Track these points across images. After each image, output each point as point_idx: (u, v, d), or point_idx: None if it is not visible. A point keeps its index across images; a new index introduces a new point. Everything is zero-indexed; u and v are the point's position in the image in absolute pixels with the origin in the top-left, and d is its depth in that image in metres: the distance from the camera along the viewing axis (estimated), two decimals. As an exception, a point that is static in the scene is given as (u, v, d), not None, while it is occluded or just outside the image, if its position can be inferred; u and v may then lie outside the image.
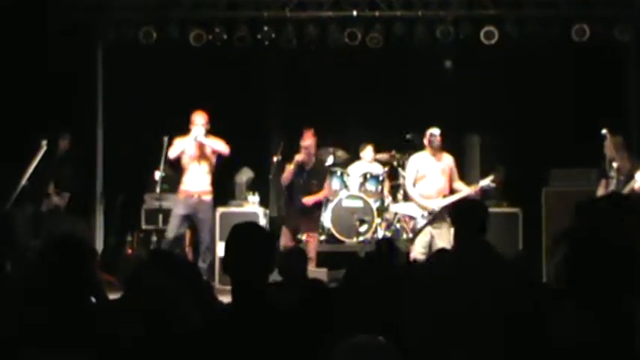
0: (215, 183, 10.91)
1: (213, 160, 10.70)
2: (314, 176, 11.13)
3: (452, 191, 10.39)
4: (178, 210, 10.62)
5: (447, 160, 10.49)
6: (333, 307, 5.44)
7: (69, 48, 11.77)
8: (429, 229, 10.18)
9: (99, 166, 12.71)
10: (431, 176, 10.37)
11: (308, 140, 10.92)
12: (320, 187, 11.17)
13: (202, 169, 10.63)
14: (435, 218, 10.17)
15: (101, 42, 12.68)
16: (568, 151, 12.10)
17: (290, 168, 10.92)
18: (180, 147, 10.53)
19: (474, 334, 4.68)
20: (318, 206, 11.36)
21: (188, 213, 10.63)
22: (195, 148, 10.57)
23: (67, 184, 11.05)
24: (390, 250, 7.83)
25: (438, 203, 10.19)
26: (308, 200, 11.00)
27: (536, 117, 12.81)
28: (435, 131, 10.41)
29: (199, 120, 10.48)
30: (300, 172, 10.98)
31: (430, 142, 10.40)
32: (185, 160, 10.63)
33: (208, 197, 10.70)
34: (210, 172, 10.70)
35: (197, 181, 10.61)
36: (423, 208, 10.28)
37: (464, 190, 10.32)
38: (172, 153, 10.54)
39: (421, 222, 10.28)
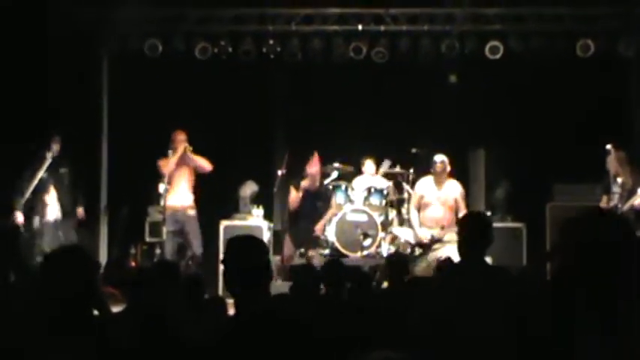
0: (218, 196, 11.02)
1: (194, 177, 11.11)
2: (320, 198, 11.51)
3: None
4: (168, 227, 10.94)
5: (452, 189, 10.51)
6: (347, 324, 5.43)
7: (74, 59, 11.79)
8: (429, 256, 10.26)
9: (103, 177, 12.71)
10: (431, 205, 10.48)
11: (315, 167, 11.30)
12: (326, 208, 11.52)
13: (185, 186, 11.09)
14: (425, 249, 10.34)
15: (107, 54, 12.72)
16: (572, 166, 12.09)
17: (297, 194, 11.27)
18: (172, 163, 10.90)
19: (477, 346, 4.68)
20: None
21: (176, 228, 11.04)
22: (177, 166, 10.95)
23: (66, 190, 11.07)
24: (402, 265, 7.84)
25: (430, 234, 10.31)
26: (320, 227, 11.38)
27: (540, 132, 12.82)
28: (437, 158, 10.50)
29: (182, 137, 10.99)
30: (306, 196, 11.31)
31: (433, 169, 10.52)
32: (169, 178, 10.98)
33: (193, 212, 11.12)
34: (192, 189, 11.15)
35: (181, 197, 11.05)
36: (417, 237, 10.50)
37: (452, 227, 9.95)
38: (168, 169, 10.88)
39: (417, 250, 10.47)
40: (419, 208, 10.59)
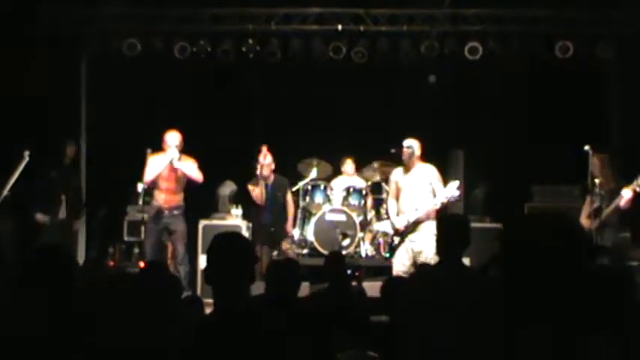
0: (197, 195, 10.93)
1: (185, 179, 10.64)
2: (277, 189, 11.56)
3: None
4: (153, 225, 10.62)
5: (424, 172, 9.90)
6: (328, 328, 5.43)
7: (53, 58, 11.75)
8: (406, 244, 9.70)
9: (82, 177, 12.64)
10: (404, 192, 9.91)
11: (268, 158, 11.23)
12: (284, 198, 11.68)
13: (173, 187, 10.63)
14: (402, 235, 9.77)
15: (85, 53, 12.67)
16: (551, 168, 12.14)
17: (258, 188, 11.27)
18: (156, 171, 10.44)
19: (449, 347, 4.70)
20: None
21: (161, 228, 10.66)
22: (167, 168, 10.50)
23: (77, 194, 11.09)
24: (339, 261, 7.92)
25: (403, 220, 9.74)
26: (290, 225, 11.67)
27: (519, 133, 12.86)
28: (406, 142, 9.92)
29: (173, 141, 10.43)
30: (265, 189, 11.29)
31: (402, 154, 9.95)
32: (157, 178, 10.57)
33: (179, 212, 10.69)
34: (182, 190, 10.71)
35: (168, 197, 10.62)
36: (393, 226, 9.94)
37: (425, 205, 9.66)
38: (148, 176, 10.43)
39: (396, 240, 9.95)
40: (397, 198, 10.01)
